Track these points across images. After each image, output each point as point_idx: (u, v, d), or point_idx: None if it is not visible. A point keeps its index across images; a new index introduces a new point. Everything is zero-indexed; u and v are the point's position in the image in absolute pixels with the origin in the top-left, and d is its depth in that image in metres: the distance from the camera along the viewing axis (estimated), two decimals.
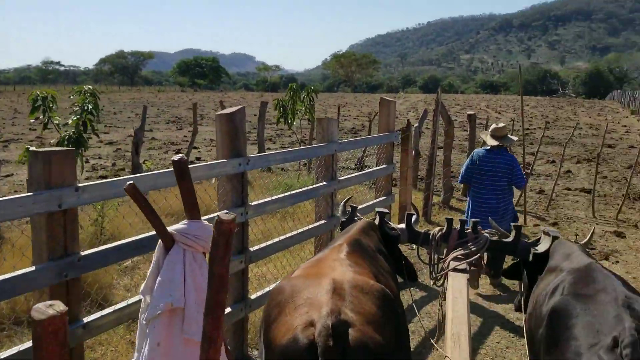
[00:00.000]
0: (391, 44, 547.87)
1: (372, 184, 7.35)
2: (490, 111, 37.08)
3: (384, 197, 6.19)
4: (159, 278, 2.10)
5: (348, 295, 2.29)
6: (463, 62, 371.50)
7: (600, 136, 21.47)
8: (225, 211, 1.69)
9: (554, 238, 3.36)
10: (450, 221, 3.70)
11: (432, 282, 3.71)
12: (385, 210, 3.79)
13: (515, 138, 6.09)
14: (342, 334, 2.10)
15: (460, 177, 6.14)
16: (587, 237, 3.65)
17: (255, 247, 4.09)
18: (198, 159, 14.91)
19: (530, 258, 3.41)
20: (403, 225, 3.75)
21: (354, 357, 2.09)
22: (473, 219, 3.73)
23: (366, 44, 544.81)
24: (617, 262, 6.68)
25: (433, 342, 3.40)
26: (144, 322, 2.11)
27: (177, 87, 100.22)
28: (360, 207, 4.69)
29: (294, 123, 9.98)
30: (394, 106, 6.19)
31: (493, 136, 5.86)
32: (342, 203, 3.94)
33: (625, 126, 26.13)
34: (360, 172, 5.78)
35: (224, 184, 3.76)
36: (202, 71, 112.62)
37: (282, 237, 4.41)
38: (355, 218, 3.73)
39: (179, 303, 2.04)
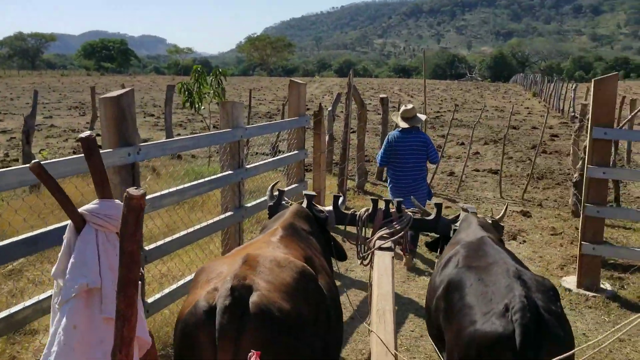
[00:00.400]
0: (306, 27, 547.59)
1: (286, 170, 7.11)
2: (403, 94, 37.86)
3: (295, 185, 5.94)
4: (71, 260, 2.02)
5: (261, 266, 2.29)
6: (376, 47, 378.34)
7: (506, 118, 22.47)
8: (135, 187, 1.57)
9: (472, 214, 3.53)
10: (375, 202, 3.80)
11: (359, 261, 3.81)
12: (313, 192, 3.81)
13: (423, 117, 6.33)
14: (242, 296, 2.08)
15: (379, 162, 6.28)
16: (502, 213, 3.79)
17: (152, 246, 3.70)
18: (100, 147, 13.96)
19: (451, 234, 3.56)
20: (330, 208, 3.79)
21: (253, 321, 2.05)
22: (397, 199, 3.84)
23: (281, 27, 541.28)
24: (524, 241, 6.86)
25: (362, 320, 3.43)
26: (57, 307, 2.04)
27: (83, 71, 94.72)
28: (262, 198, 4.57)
29: (202, 107, 9.46)
30: (304, 89, 5.93)
31: (403, 118, 6.10)
32: (270, 188, 3.91)
33: (527, 108, 27.52)
34: (269, 160, 5.46)
35: (111, 177, 3.33)
36: (109, 54, 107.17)
37: (182, 233, 4.06)
38: (283, 202, 3.74)
39: (94, 284, 1.98)
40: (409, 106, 6.20)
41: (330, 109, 10.38)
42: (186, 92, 9.07)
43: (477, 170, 11.68)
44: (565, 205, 8.61)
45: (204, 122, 19.26)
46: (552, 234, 7.14)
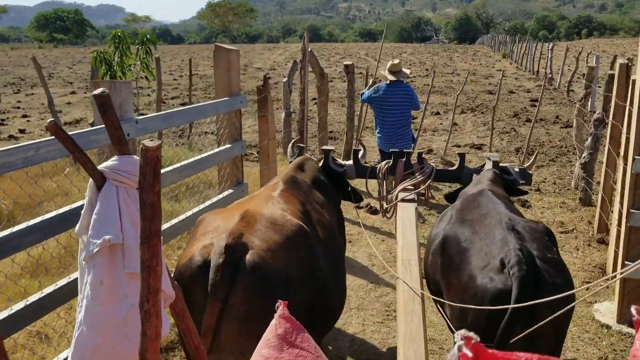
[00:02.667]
0: None
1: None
2: (370, 59, 36.11)
3: (229, 191, 4.33)
4: (93, 216, 2.00)
5: (257, 224, 2.34)
6: (341, 11, 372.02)
7: (480, 82, 21.07)
8: (150, 139, 1.74)
9: (494, 163, 3.48)
10: (396, 154, 3.77)
11: (382, 214, 3.83)
12: (331, 147, 3.81)
13: (408, 71, 6.67)
14: (236, 254, 2.14)
15: (362, 99, 6.69)
16: (531, 161, 3.77)
17: None
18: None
19: None
20: (350, 162, 3.79)
21: (245, 279, 2.13)
22: (419, 151, 3.86)
23: None
24: None
25: (388, 268, 3.51)
26: (83, 263, 2.04)
27: (37, 44, 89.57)
28: (179, 218, 3.74)
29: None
30: (236, 58, 4.30)
31: (391, 72, 6.41)
32: (291, 144, 3.97)
33: (500, 70, 26.15)
34: (179, 165, 3.65)
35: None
36: (63, 25, 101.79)
37: None
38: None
39: (117, 239, 1.98)
40: (396, 61, 6.55)
41: (285, 79, 8.71)
42: (104, 64, 7.25)
43: (458, 146, 10.23)
44: (568, 189, 7.23)
45: (151, 96, 17.35)
46: (561, 231, 5.74)
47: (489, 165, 3.54)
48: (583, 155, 6.39)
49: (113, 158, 2.07)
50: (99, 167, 2.05)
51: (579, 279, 4.69)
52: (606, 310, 4.09)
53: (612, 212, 5.50)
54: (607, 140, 5.49)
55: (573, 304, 2.20)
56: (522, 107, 14.42)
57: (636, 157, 3.75)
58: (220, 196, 4.25)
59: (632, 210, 3.80)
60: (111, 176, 2.03)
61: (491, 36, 59.72)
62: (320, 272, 2.46)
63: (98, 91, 1.96)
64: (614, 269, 4.13)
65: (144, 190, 1.46)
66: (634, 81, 4.17)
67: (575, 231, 5.76)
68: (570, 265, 4.96)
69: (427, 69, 26.93)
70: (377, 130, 6.59)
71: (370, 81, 7.17)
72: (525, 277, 2.18)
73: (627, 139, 4.35)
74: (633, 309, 1.22)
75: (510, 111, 13.79)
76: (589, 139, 6.31)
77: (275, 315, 1.45)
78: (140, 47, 7.79)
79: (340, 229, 3.23)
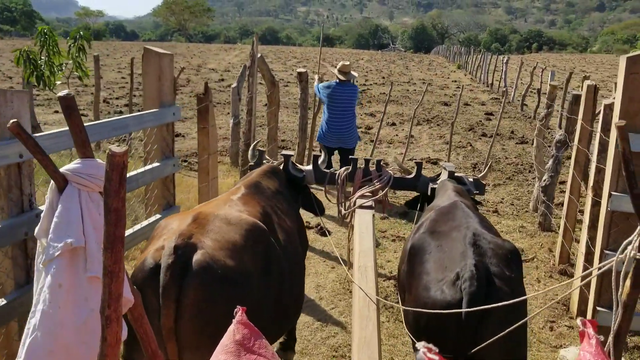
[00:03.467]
0: None
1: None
2: (327, 64, 35.76)
3: (156, 217, 3.75)
4: (54, 219, 1.97)
5: (210, 225, 2.33)
6: (300, 15, 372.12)
7: (435, 93, 21.00)
8: (117, 144, 1.17)
9: (449, 173, 3.62)
10: (355, 161, 3.88)
11: (340, 219, 3.98)
12: (291, 152, 3.81)
13: (356, 74, 7.12)
14: (186, 254, 2.13)
15: (315, 89, 7.06)
16: (484, 172, 3.92)
17: None
18: None
19: (429, 192, 3.68)
20: (310, 167, 3.83)
21: (195, 278, 2.10)
22: (377, 159, 4.03)
23: None
24: None
25: (347, 272, 3.47)
26: (41, 266, 1.99)
27: None
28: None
29: (56, 84, 6.92)
30: (169, 63, 3.73)
31: (341, 72, 6.79)
32: (252, 147, 3.90)
33: (455, 81, 26.28)
34: None
35: None
36: (11, 16, 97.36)
37: None
38: (264, 162, 3.73)
39: (78, 242, 1.95)
40: (347, 62, 7.00)
41: (234, 85, 8.15)
42: (30, 63, 6.49)
43: (413, 160, 9.87)
44: (526, 211, 6.96)
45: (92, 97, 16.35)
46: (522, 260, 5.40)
47: (444, 175, 3.68)
48: (543, 178, 6.10)
49: (76, 161, 2.04)
50: (62, 169, 2.02)
51: (542, 316, 4.33)
52: (573, 357, 3.72)
53: (576, 242, 5.21)
54: (572, 165, 5.20)
55: (525, 319, 2.22)
56: (477, 120, 14.29)
57: (613, 192, 3.39)
58: (146, 223, 3.66)
59: (606, 252, 3.43)
60: (74, 179, 2.01)
61: (446, 47, 60.58)
62: (277, 272, 2.47)
63: (63, 93, 1.92)
64: (580, 312, 3.77)
65: (109, 195, 1.47)
66: (607, 106, 3.84)
67: (535, 259, 5.44)
68: (531, 300, 4.62)
69: (383, 77, 26.78)
70: (322, 127, 6.85)
71: (316, 77, 7.49)
72: (475, 292, 2.21)
73: (598, 168, 4.02)
74: (579, 321, 1.27)
75: (465, 124, 13.62)
76: (550, 161, 6.03)
77: (233, 321, 1.44)
78: (72, 45, 7.06)
79: (301, 236, 3.23)
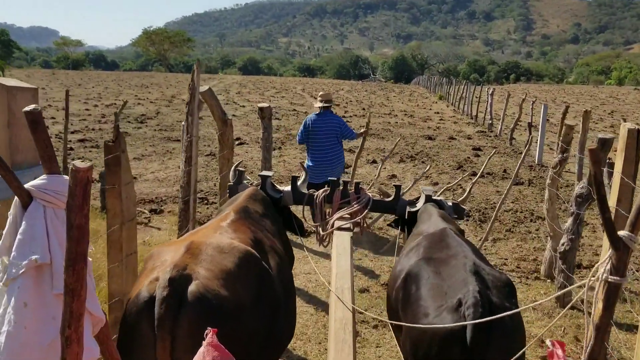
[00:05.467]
0: (209, 23, 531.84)
1: None
2: (306, 95, 34.85)
3: None
4: (18, 236, 1.93)
5: (203, 254, 2.33)
6: (281, 45, 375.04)
7: (418, 126, 19.94)
8: (81, 160, 1.49)
9: (427, 197, 3.64)
10: (333, 182, 3.86)
11: (318, 242, 3.87)
12: (269, 173, 3.82)
13: (329, 104, 6.89)
14: (181, 286, 2.11)
15: (298, 139, 6.97)
16: (464, 195, 4.10)
17: None
18: None
19: (407, 216, 3.68)
20: (288, 188, 3.82)
21: (190, 310, 2.09)
22: (356, 181, 3.94)
23: (183, 22, 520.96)
24: None
25: (332, 289, 3.13)
26: (2, 285, 1.94)
27: None
28: None
29: None
30: (26, 103, 2.43)
31: (320, 101, 6.79)
32: (232, 168, 3.90)
33: (437, 113, 25.37)
34: None
35: None
36: None
37: None
38: (245, 182, 3.80)
39: (44, 259, 1.91)
40: (326, 92, 7.07)
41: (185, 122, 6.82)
42: None
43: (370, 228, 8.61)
44: (536, 277, 5.70)
45: None
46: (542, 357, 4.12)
47: (423, 198, 3.67)
48: (562, 242, 4.87)
49: (41, 177, 2.01)
50: (26, 185, 1.99)
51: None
52: None
53: (617, 327, 3.96)
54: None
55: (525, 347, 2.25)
56: (465, 156, 13.16)
57: None
58: None
59: None
60: (39, 195, 1.98)
61: (427, 77, 60.32)
62: (271, 298, 2.46)
63: (29, 108, 1.94)
64: None
65: (72, 211, 1.46)
66: None
67: None
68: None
69: (363, 109, 25.76)
70: (308, 162, 6.74)
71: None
72: (479, 319, 2.16)
73: None
74: (548, 341, 1.40)
75: (453, 161, 12.46)
76: (569, 220, 4.81)
77: (204, 343, 1.45)
78: None
79: (289, 255, 3.26)
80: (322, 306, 4.80)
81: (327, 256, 5.96)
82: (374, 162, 12.11)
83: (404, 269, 2.73)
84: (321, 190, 3.86)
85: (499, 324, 2.20)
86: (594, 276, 2.13)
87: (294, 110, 24.03)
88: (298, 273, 5.64)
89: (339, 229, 3.56)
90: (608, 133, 4.50)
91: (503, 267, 5.95)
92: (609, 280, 2.09)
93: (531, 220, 7.89)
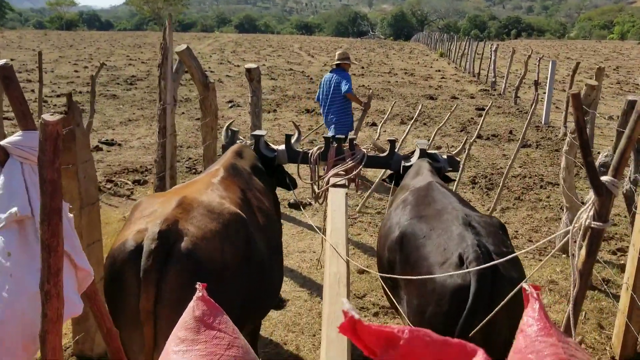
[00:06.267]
0: None
1: None
2: (303, 54, 33.87)
3: None
4: None
5: (194, 211, 2.32)
6: (278, 2, 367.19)
7: (419, 84, 19.23)
8: (51, 112, 1.49)
9: (421, 151, 3.66)
10: (327, 139, 3.86)
11: (313, 199, 4.03)
12: (262, 132, 3.83)
13: (347, 61, 7.37)
14: (170, 240, 2.13)
15: (315, 98, 7.78)
16: (459, 148, 4.10)
17: None
18: None
19: (401, 171, 3.70)
20: (282, 147, 3.81)
21: (177, 265, 2.12)
22: (351, 137, 3.89)
23: None
24: None
25: (319, 261, 3.71)
26: None
27: None
28: None
29: None
30: None
31: (337, 58, 7.23)
32: (225, 127, 3.85)
33: (439, 71, 24.57)
34: None
35: None
36: None
37: None
38: (238, 141, 3.73)
39: (24, 211, 1.91)
40: (343, 50, 7.67)
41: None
42: None
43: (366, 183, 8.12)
44: (553, 256, 5.24)
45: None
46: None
47: (417, 153, 3.67)
48: (584, 217, 4.36)
49: (17, 133, 2.00)
50: (1, 142, 1.97)
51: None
52: None
53: None
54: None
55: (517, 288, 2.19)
56: (469, 117, 12.58)
57: None
58: None
59: None
60: (14, 152, 1.97)
61: (427, 34, 58.80)
62: (258, 260, 2.50)
63: (0, 62, 1.90)
64: None
65: (44, 166, 1.46)
66: None
67: (583, 343, 3.72)
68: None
69: (362, 67, 24.95)
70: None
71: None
72: (483, 272, 2.19)
73: None
74: (525, 285, 1.34)
75: (456, 122, 11.89)
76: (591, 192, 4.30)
77: (194, 297, 1.42)
78: None
79: (277, 214, 3.31)
80: (318, 290, 4.36)
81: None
82: (374, 124, 11.54)
83: (395, 228, 2.72)
84: (316, 148, 3.86)
85: (502, 272, 2.25)
86: (577, 223, 2.11)
87: (291, 70, 23.24)
88: (292, 251, 5.21)
89: (334, 185, 3.56)
90: (627, 93, 3.95)
91: (515, 241, 5.48)
92: (592, 225, 2.08)
93: (541, 187, 7.40)
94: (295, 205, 6.34)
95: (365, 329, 0.89)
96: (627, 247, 5.28)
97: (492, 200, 6.87)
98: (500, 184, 6.13)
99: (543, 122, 12.12)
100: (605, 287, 4.47)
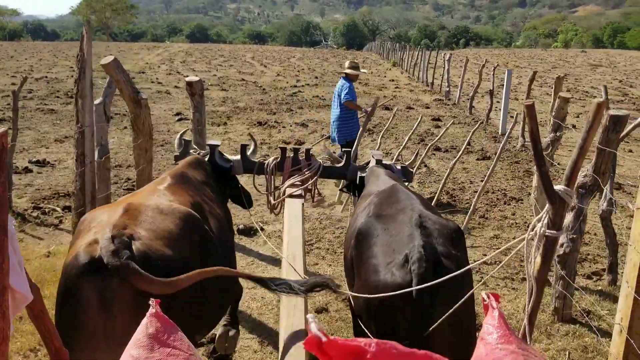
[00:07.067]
0: None
1: None
2: (256, 63, 33.26)
3: None
4: None
5: (142, 215, 2.29)
6: (230, 11, 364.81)
7: (373, 94, 18.93)
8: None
9: (377, 161, 3.70)
10: (283, 150, 3.89)
11: (270, 210, 3.98)
12: (217, 142, 3.76)
13: (365, 71, 8.73)
14: (124, 246, 2.07)
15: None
16: (412, 158, 4.20)
17: None
18: None
19: (357, 181, 3.72)
20: (238, 157, 3.78)
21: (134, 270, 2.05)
22: (307, 148, 4.02)
23: None
24: None
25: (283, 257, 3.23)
26: None
27: None
28: None
29: None
30: None
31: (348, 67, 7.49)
32: (178, 136, 3.75)
33: (392, 80, 24.44)
34: None
35: None
36: None
37: None
38: (191, 151, 3.67)
39: None
40: (357, 60, 8.50)
41: (100, 100, 5.62)
42: None
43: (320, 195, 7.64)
44: (524, 279, 4.85)
45: None
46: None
47: (373, 163, 3.72)
48: (561, 242, 3.98)
49: None
50: None
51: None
52: None
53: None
54: (633, 239, 3.08)
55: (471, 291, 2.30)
56: (425, 128, 12.29)
57: None
58: None
59: None
60: None
61: (379, 43, 59.20)
62: (214, 259, 2.43)
63: None
64: None
65: None
66: None
67: None
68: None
69: (316, 77, 24.57)
70: None
71: None
72: (424, 274, 2.23)
73: None
74: (483, 294, 1.35)
75: (413, 134, 11.54)
76: (569, 216, 3.92)
77: (147, 314, 1.38)
78: None
79: (229, 225, 3.24)
80: (271, 337, 3.79)
81: (276, 261, 4.96)
82: (329, 137, 11.07)
83: (356, 228, 2.75)
84: (271, 158, 3.87)
85: (444, 274, 2.23)
86: (532, 231, 2.17)
87: (243, 80, 22.61)
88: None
89: (291, 196, 3.57)
90: (577, 101, 3.61)
91: (484, 267, 5.07)
92: (546, 234, 2.11)
93: (505, 203, 7.08)
94: (246, 231, 5.79)
95: (331, 344, 0.89)
96: (603, 270, 4.95)
97: (455, 219, 6.48)
98: (472, 207, 5.75)
99: (500, 132, 11.94)
100: (587, 319, 4.09)
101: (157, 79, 21.82)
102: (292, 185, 3.70)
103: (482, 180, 8.01)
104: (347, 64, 7.75)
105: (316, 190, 4.05)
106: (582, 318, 4.12)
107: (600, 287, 4.71)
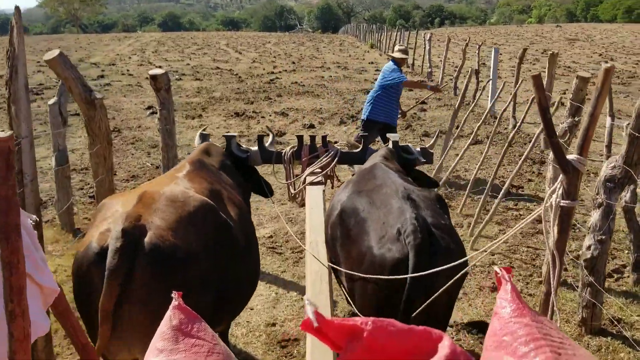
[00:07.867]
0: None
1: None
2: (230, 51, 32.35)
3: None
4: None
5: (157, 204, 2.29)
6: None
7: (354, 78, 18.34)
8: (1, 129, 0.75)
9: (394, 143, 3.66)
10: (300, 138, 3.91)
11: (290, 200, 4.06)
12: (234, 133, 3.94)
13: (401, 55, 7.48)
14: (135, 237, 2.09)
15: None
16: (432, 141, 4.07)
17: None
18: None
19: None
20: (255, 148, 3.80)
21: (144, 260, 2.08)
22: (323, 135, 3.98)
23: None
24: None
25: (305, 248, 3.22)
26: None
27: None
28: None
29: None
30: None
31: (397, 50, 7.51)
32: (198, 133, 3.81)
33: (372, 63, 23.83)
34: None
35: None
36: None
37: None
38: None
39: None
40: (404, 45, 8.31)
41: (54, 100, 5.00)
42: None
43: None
44: (540, 282, 4.36)
45: None
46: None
47: (390, 145, 3.67)
48: (587, 244, 3.48)
49: None
50: None
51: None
52: None
53: None
54: None
55: (466, 268, 2.37)
56: (411, 113, 11.75)
57: None
58: None
59: None
60: None
61: (355, 25, 58.40)
62: (230, 248, 2.43)
63: None
64: None
65: None
66: None
67: None
68: None
69: (293, 62, 23.85)
70: None
71: None
72: (420, 245, 2.24)
73: None
74: (496, 268, 1.32)
75: (400, 120, 11.01)
76: (596, 214, 3.42)
77: (170, 307, 1.39)
78: None
79: (247, 207, 3.19)
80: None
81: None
82: (311, 126, 10.47)
83: (335, 205, 2.73)
84: (289, 147, 3.89)
85: (440, 243, 2.30)
86: (547, 202, 2.22)
87: (217, 68, 21.82)
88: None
89: (311, 183, 3.57)
90: (561, 77, 3.05)
91: (489, 257, 4.57)
92: (562, 204, 2.18)
93: (507, 192, 6.58)
94: None
95: (328, 324, 0.91)
96: (623, 266, 4.48)
97: (456, 212, 5.98)
98: (479, 204, 5.24)
99: (487, 113, 11.44)
100: (619, 328, 3.61)
101: (127, 70, 20.94)
102: (312, 173, 3.72)
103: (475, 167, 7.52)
104: (396, 47, 7.87)
105: (335, 176, 4.05)
106: (612, 327, 3.64)
107: (624, 288, 4.25)
